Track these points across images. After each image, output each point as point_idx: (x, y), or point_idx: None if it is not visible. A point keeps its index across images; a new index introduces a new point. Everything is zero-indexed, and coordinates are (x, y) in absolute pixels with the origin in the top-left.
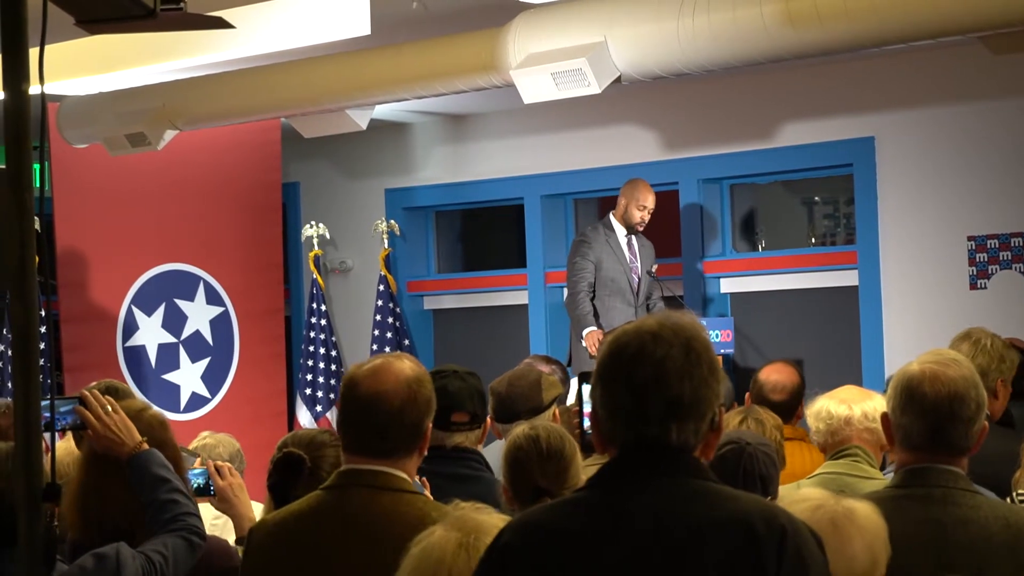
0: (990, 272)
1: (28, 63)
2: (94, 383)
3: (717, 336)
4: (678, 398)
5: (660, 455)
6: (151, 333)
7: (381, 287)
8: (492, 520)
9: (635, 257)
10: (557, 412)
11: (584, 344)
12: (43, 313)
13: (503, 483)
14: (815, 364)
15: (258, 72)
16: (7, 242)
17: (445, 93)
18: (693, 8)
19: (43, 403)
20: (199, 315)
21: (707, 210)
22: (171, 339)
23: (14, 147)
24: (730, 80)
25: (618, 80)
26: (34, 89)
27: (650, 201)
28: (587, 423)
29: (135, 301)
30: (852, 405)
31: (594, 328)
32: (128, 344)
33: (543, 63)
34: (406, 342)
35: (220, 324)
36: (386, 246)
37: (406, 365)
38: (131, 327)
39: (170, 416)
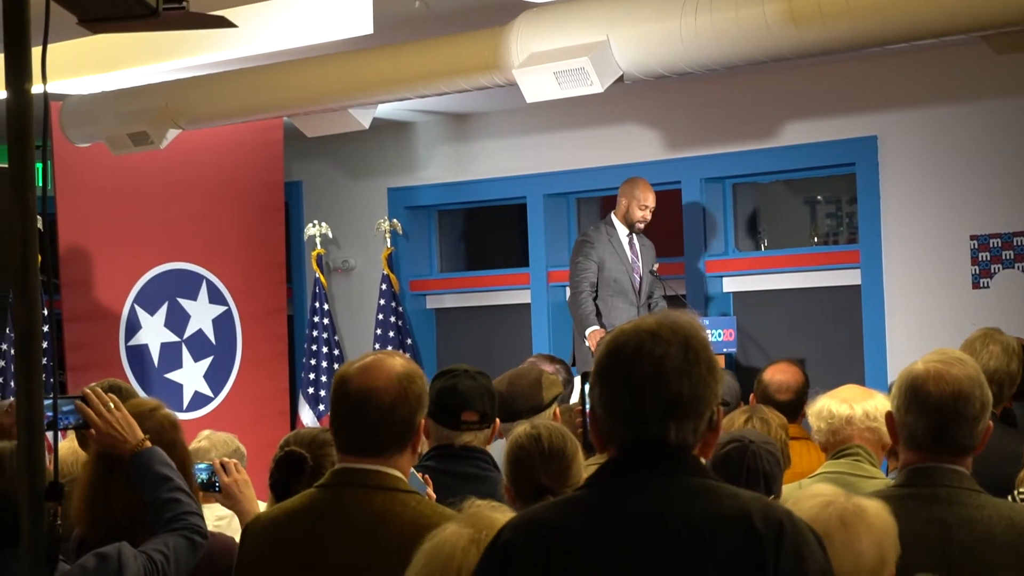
0: (993, 271)
1: (30, 62)
2: (97, 382)
3: (719, 335)
4: (677, 397)
5: (659, 454)
6: (154, 332)
7: (384, 286)
8: (505, 518)
9: (637, 257)
10: (558, 411)
11: (587, 343)
12: (46, 312)
13: (505, 482)
14: (817, 363)
15: (261, 71)
16: (10, 241)
17: (447, 92)
18: (696, 7)
19: (46, 402)
20: (202, 314)
21: (709, 209)
22: (174, 338)
23: (17, 146)
24: (733, 79)
25: (620, 79)
26: (36, 88)
27: (651, 200)
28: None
29: (138, 300)
30: (853, 404)
31: (597, 327)
32: (131, 343)
33: (545, 62)
34: (409, 341)
35: (223, 323)
36: (389, 245)
37: (397, 362)
38: (134, 326)
39: None
